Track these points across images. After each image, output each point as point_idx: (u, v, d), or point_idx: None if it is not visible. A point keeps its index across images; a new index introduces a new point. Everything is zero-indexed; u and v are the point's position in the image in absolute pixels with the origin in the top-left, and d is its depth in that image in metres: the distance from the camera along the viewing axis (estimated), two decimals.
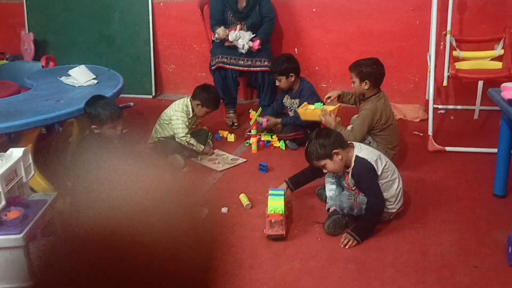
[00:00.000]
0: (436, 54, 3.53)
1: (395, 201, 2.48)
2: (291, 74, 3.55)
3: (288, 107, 3.70)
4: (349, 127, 3.07)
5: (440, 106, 4.18)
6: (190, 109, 3.42)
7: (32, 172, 2.33)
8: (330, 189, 2.60)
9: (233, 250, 2.36)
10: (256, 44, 3.80)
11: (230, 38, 3.80)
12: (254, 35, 3.84)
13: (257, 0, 3.95)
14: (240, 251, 2.35)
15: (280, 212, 2.45)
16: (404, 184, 2.90)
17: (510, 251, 2.14)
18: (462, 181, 2.97)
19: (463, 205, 2.69)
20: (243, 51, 3.81)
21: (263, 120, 3.60)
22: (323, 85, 4.46)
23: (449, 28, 3.68)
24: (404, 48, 4.19)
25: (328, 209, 2.54)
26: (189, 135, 3.37)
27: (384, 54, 4.00)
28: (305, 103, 3.38)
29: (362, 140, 2.91)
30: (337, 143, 2.45)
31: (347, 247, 2.32)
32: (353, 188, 2.50)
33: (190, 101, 3.43)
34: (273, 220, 2.41)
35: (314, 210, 2.69)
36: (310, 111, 3.25)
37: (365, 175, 2.43)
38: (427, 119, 3.53)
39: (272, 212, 2.45)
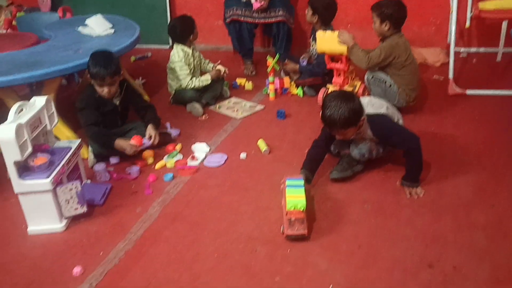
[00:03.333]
0: None
1: None
2: (326, 13, 3.50)
3: (311, 50, 3.64)
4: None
5: (462, 49, 4.09)
6: (187, 49, 3.44)
7: (56, 120, 2.39)
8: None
9: (252, 193, 2.42)
10: (256, 5, 3.73)
11: None
12: None
13: None
14: (259, 194, 2.41)
15: (302, 209, 2.05)
16: (422, 127, 2.92)
17: None
18: (481, 124, 2.94)
19: (480, 148, 2.68)
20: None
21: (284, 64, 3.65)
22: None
23: None
24: None
25: (338, 152, 2.52)
26: (192, 80, 3.41)
27: None
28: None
29: (374, 68, 2.95)
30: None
31: (418, 196, 2.30)
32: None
33: (178, 47, 3.45)
34: (293, 218, 2.04)
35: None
36: (329, 34, 3.12)
37: (386, 129, 2.39)
38: (448, 62, 3.46)
39: (292, 208, 2.05)
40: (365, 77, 3.12)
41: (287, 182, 2.19)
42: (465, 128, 2.92)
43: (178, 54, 3.40)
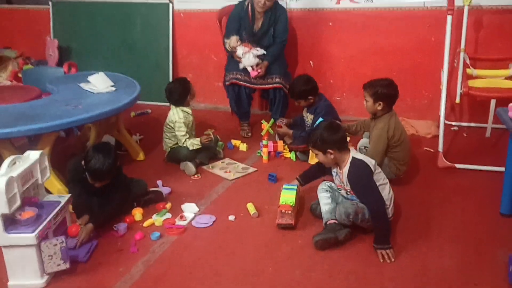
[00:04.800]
0: (450, 72, 3.55)
1: (387, 206, 2.51)
2: (309, 97, 3.58)
3: (305, 120, 3.74)
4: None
5: (453, 123, 4.19)
6: (187, 109, 3.54)
7: (48, 174, 2.43)
8: (325, 203, 2.62)
9: (238, 256, 2.42)
10: (253, 73, 3.87)
11: (238, 54, 3.87)
12: (259, 61, 3.88)
13: (272, 23, 3.99)
14: (244, 258, 2.40)
15: (291, 204, 2.66)
16: (410, 199, 2.94)
17: (511, 270, 2.15)
18: (469, 198, 2.97)
19: (467, 222, 2.70)
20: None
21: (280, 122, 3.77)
22: (337, 98, 4.51)
23: (463, 46, 3.70)
24: (419, 64, 4.21)
25: (326, 222, 2.55)
26: (187, 140, 3.47)
27: (398, 70, 4.06)
28: None
29: (381, 162, 2.94)
30: (338, 144, 2.52)
31: (391, 260, 2.34)
32: (346, 188, 2.56)
33: (177, 108, 3.53)
34: (283, 210, 2.64)
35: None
36: None
37: (361, 175, 2.47)
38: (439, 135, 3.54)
39: (284, 203, 2.67)
40: (358, 146, 3.18)
41: (284, 186, 2.85)
42: (452, 201, 2.94)
43: (179, 115, 3.48)
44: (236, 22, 4.04)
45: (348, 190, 2.56)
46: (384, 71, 3.53)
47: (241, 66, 3.89)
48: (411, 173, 3.26)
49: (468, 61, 3.66)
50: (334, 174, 2.67)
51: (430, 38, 4.11)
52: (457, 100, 3.63)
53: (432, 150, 3.69)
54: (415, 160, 3.46)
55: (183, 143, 3.46)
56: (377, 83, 2.98)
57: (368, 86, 3.00)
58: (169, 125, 3.53)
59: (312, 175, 2.91)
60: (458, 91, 3.64)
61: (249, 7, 3.97)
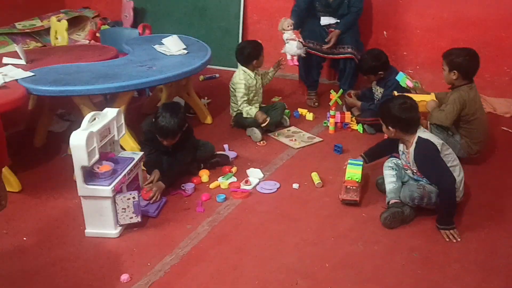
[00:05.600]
0: None
1: (457, 188, 2.41)
2: (379, 72, 3.48)
3: (374, 93, 3.65)
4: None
5: None
6: (249, 72, 3.54)
7: (123, 132, 2.55)
8: (390, 181, 2.56)
9: (300, 224, 2.45)
10: (290, 62, 3.77)
11: (284, 37, 3.77)
12: (301, 51, 3.74)
13: None
14: (306, 227, 2.43)
15: (357, 180, 2.62)
16: (484, 180, 2.82)
17: None
18: None
19: None
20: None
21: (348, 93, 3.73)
22: (409, 71, 4.33)
23: None
24: (502, 38, 3.94)
25: (388, 202, 2.50)
26: (244, 105, 3.47)
27: (479, 43, 3.82)
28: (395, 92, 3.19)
29: (451, 124, 2.86)
30: (405, 124, 2.41)
31: (457, 239, 2.29)
32: (413, 169, 2.48)
33: (241, 69, 3.56)
34: (348, 186, 2.60)
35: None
36: (415, 97, 2.95)
37: (428, 154, 2.38)
38: None
39: (350, 178, 2.63)
40: (428, 123, 3.07)
41: (349, 161, 2.75)
42: None
43: (239, 76, 3.51)
44: None
45: (415, 171, 2.49)
46: (463, 44, 3.32)
47: (282, 50, 3.79)
48: (487, 154, 3.11)
49: None
50: (400, 153, 2.59)
51: None
52: None
53: (510, 131, 3.49)
54: (491, 140, 3.30)
55: (240, 107, 3.49)
56: (455, 51, 2.91)
57: (446, 54, 2.94)
58: (232, 87, 3.56)
59: (378, 153, 2.82)
60: None
61: None
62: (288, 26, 3.76)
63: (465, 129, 2.92)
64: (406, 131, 2.44)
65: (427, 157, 2.40)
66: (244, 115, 3.49)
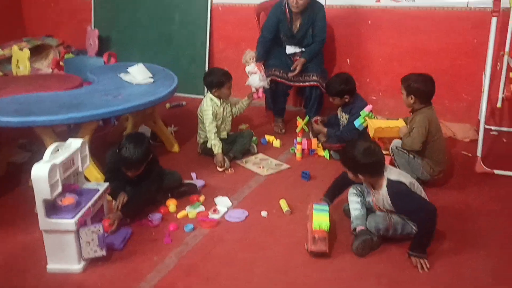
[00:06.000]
0: (492, 75, 3.45)
1: None
2: (346, 96, 3.56)
3: (339, 119, 3.72)
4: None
5: (493, 127, 4.08)
6: (216, 100, 3.53)
7: (88, 162, 2.50)
8: (355, 208, 2.57)
9: (269, 253, 2.43)
10: (257, 94, 3.79)
11: (246, 70, 3.81)
12: (264, 84, 3.77)
13: (310, 23, 3.94)
14: (275, 255, 2.41)
15: (325, 229, 2.39)
16: (446, 203, 2.89)
17: None
18: (508, 206, 2.89)
19: (505, 231, 2.63)
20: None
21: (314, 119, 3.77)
22: (373, 97, 4.46)
23: (508, 49, 3.59)
24: (459, 66, 4.11)
25: (355, 229, 2.51)
26: (211, 135, 3.44)
27: (437, 71, 3.96)
28: (366, 117, 3.24)
29: (421, 147, 2.92)
30: (371, 169, 2.39)
31: (425, 270, 2.28)
32: (382, 208, 2.48)
33: (208, 96, 3.56)
34: (317, 236, 2.37)
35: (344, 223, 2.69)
36: (389, 129, 3.04)
37: (403, 195, 2.38)
38: (478, 139, 3.45)
39: (318, 227, 2.39)
40: (390, 147, 3.14)
41: (314, 206, 2.53)
42: (490, 207, 2.87)
43: (206, 103, 3.52)
44: (274, 25, 3.99)
45: (386, 210, 2.47)
46: (422, 72, 3.45)
47: (246, 83, 3.82)
48: (447, 176, 3.19)
49: None
50: (365, 192, 2.60)
51: (472, 39, 4.00)
52: (499, 104, 3.54)
53: (469, 155, 3.61)
54: (451, 164, 3.39)
55: (208, 134, 3.47)
56: (412, 76, 3.03)
57: (404, 79, 3.06)
58: (200, 115, 3.56)
59: (339, 190, 2.75)
60: (500, 95, 3.55)
61: (287, 9, 3.93)
62: (250, 59, 3.78)
63: (427, 150, 3.00)
64: (374, 175, 2.43)
65: (403, 197, 2.38)
66: (208, 145, 3.47)
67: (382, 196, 2.44)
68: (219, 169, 3.37)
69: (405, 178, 2.46)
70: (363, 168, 2.40)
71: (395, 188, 2.38)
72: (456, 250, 2.46)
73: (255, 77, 3.74)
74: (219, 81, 3.52)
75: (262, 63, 3.90)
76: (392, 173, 2.43)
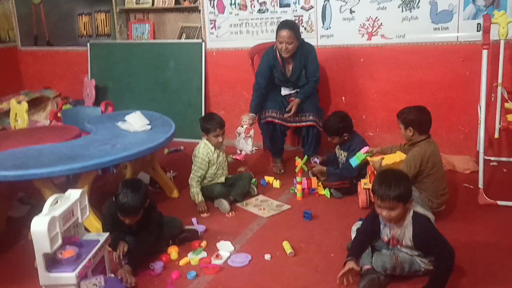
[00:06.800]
0: (487, 106, 3.49)
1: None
2: (344, 134, 3.59)
3: (338, 157, 3.73)
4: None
5: (492, 158, 4.07)
6: (210, 145, 3.52)
7: (87, 213, 2.47)
8: None
9: None
10: (237, 157, 3.83)
11: (237, 130, 3.89)
12: (252, 150, 3.83)
13: (303, 66, 3.99)
14: None
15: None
16: (452, 236, 2.82)
17: None
18: None
19: None
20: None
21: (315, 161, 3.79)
22: (370, 133, 4.48)
23: (500, 80, 3.63)
24: (453, 98, 4.15)
25: (361, 268, 2.44)
26: (194, 184, 3.45)
27: (432, 104, 3.99)
28: (368, 155, 3.29)
29: (412, 178, 2.85)
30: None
31: None
32: (400, 242, 2.40)
33: (203, 141, 3.55)
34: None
35: None
36: (396, 165, 3.00)
37: (431, 230, 2.33)
38: (478, 171, 3.45)
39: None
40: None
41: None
42: (498, 238, 2.83)
43: (199, 149, 3.51)
44: (267, 71, 4.05)
45: (401, 245, 2.41)
46: (417, 105, 3.50)
47: (235, 142, 3.89)
48: (451, 209, 3.17)
49: (506, 95, 3.59)
50: (381, 224, 2.47)
51: (464, 72, 4.06)
52: (496, 135, 3.55)
53: (471, 186, 3.59)
54: (454, 196, 3.37)
55: (190, 181, 3.47)
56: (407, 109, 3.10)
57: (399, 113, 3.13)
58: (194, 159, 3.54)
59: (362, 246, 2.52)
60: (497, 126, 3.56)
61: (278, 54, 3.99)
62: (249, 121, 3.88)
63: (424, 183, 2.99)
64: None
65: (429, 231, 2.32)
66: (191, 195, 3.46)
67: (404, 228, 2.37)
68: (203, 215, 3.34)
69: (428, 213, 2.43)
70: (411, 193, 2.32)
71: (422, 221, 2.33)
72: (464, 283, 2.40)
73: (242, 141, 3.82)
74: (209, 127, 3.49)
75: (254, 123, 3.97)
76: (418, 206, 2.40)
